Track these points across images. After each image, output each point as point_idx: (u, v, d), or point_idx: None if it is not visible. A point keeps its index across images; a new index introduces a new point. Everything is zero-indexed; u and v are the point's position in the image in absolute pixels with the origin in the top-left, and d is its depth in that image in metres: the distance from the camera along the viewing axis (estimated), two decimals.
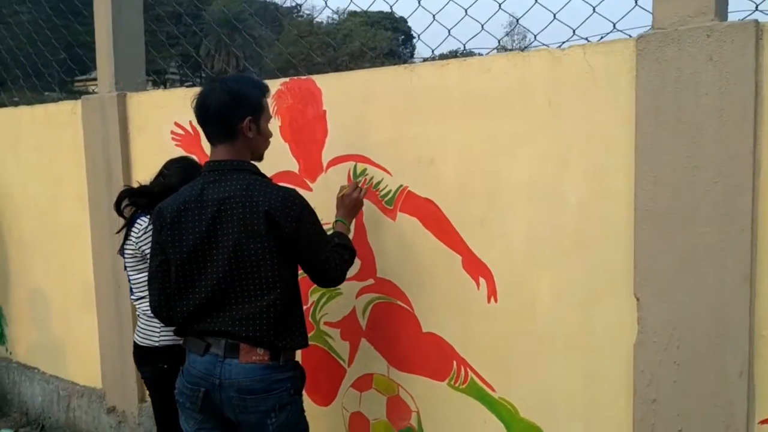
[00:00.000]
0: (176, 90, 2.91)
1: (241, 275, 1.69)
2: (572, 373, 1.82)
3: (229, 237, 1.68)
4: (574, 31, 1.83)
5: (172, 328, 1.88)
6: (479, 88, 1.90)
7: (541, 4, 1.92)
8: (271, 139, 1.89)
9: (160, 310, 1.83)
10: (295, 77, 2.34)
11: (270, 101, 2.33)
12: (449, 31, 2.22)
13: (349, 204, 2.04)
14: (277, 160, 2.36)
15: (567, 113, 1.75)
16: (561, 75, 1.75)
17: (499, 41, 2.01)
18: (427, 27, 2.28)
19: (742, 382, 1.53)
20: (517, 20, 1.93)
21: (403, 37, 35.69)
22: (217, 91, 1.73)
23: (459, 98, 1.95)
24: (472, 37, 2.09)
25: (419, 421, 2.15)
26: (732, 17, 1.55)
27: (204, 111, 1.74)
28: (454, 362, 2.04)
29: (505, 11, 1.97)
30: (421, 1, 2.39)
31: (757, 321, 1.52)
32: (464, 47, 2.11)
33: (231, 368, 1.70)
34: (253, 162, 1.81)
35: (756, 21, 1.45)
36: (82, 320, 3.25)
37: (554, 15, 1.87)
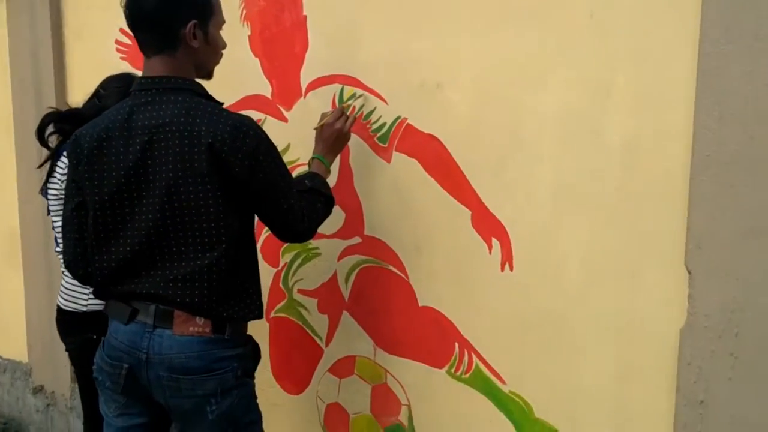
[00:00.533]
0: None
1: (177, 225, 1.69)
2: (602, 365, 1.82)
3: (162, 175, 1.68)
4: None
5: None
6: None
7: None
8: (225, 52, 1.87)
9: (76, 265, 1.85)
10: None
11: (239, 3, 2.33)
12: None
13: (330, 137, 2.04)
14: (244, 80, 2.38)
15: (612, 26, 1.71)
16: None
17: None
18: None
19: None
20: None
21: None
22: None
23: (477, 2, 1.91)
24: None
25: (410, 417, 2.18)
26: None
27: (136, 11, 1.72)
28: (456, 345, 2.06)
29: None
30: None
31: None
32: None
33: (162, 340, 1.72)
34: (198, 80, 1.79)
35: None
36: (6, 278, 3.33)
37: None
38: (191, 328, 1.73)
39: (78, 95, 2.75)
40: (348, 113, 2.10)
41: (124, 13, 1.76)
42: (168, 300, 1.72)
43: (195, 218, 1.69)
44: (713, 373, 1.62)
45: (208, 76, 1.85)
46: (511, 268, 1.94)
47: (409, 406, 2.18)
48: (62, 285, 2.42)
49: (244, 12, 2.35)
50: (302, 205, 1.83)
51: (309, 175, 1.96)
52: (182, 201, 1.68)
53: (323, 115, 2.09)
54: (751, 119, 1.52)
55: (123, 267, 1.75)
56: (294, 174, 2.17)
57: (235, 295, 1.77)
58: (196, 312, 1.72)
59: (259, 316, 1.85)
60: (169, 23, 1.72)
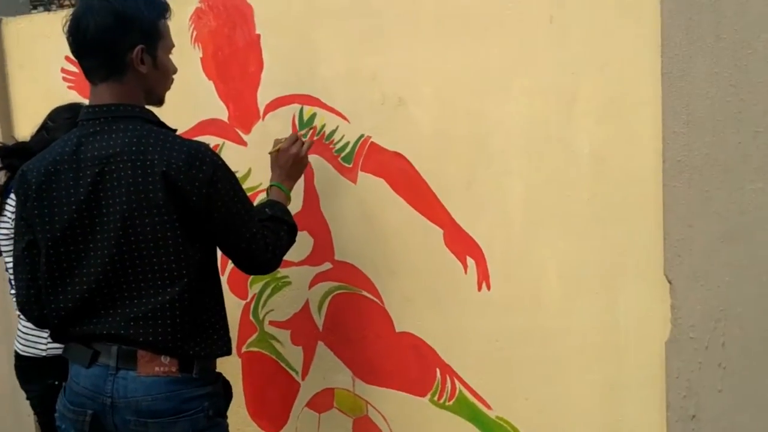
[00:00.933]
0: (66, 12, 2.91)
1: (135, 260, 1.70)
2: (589, 383, 1.85)
3: (116, 208, 1.69)
4: None
5: None
6: None
7: None
8: (176, 76, 1.89)
9: (30, 307, 1.86)
10: None
11: (189, 25, 2.36)
12: None
13: (287, 162, 2.05)
14: (199, 104, 2.40)
15: (573, 31, 1.76)
16: None
17: None
18: None
19: None
20: None
21: None
22: (97, 8, 1.71)
23: (433, 12, 1.95)
24: None
25: None
26: None
27: (80, 36, 1.73)
28: (438, 371, 2.08)
29: None
30: None
31: None
32: None
33: (127, 383, 1.73)
34: (149, 107, 1.81)
35: None
36: None
37: None
38: (157, 368, 1.74)
39: (25, 128, 2.74)
40: (309, 137, 2.13)
41: (67, 39, 1.77)
42: (130, 340, 1.73)
43: (153, 251, 1.70)
44: (703, 386, 1.65)
45: (159, 102, 1.86)
46: (488, 287, 1.97)
47: None
48: (19, 329, 2.41)
49: (195, 33, 2.36)
50: (265, 234, 1.84)
51: (269, 203, 1.97)
52: (139, 234, 1.69)
53: (276, 141, 2.10)
54: (719, 121, 1.57)
55: (80, 307, 1.75)
56: (255, 201, 2.19)
57: (200, 331, 1.78)
58: (160, 351, 1.73)
59: (228, 353, 1.86)
60: (114, 48, 1.73)
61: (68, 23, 1.76)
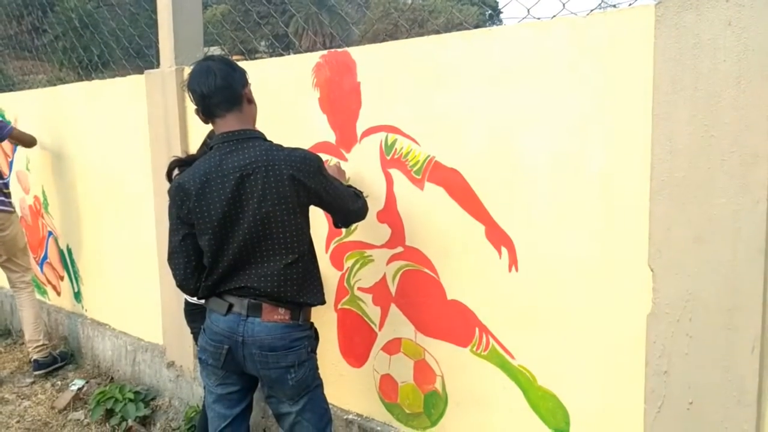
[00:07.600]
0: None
1: (267, 236, 1.79)
2: (589, 343, 1.84)
3: (254, 201, 1.78)
4: None
5: None
6: (503, 58, 1.92)
7: None
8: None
9: (187, 283, 1.91)
10: (333, 50, 2.43)
11: (312, 73, 2.46)
12: None
13: (333, 172, 2.19)
14: (315, 130, 2.48)
15: (588, 82, 1.75)
16: (582, 43, 1.75)
17: (528, 10, 2.00)
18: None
19: (754, 358, 1.51)
20: None
21: (489, 12, 34.72)
22: (217, 63, 1.86)
23: (484, 68, 1.97)
24: (534, 5, 2.03)
25: (443, 385, 2.23)
26: None
27: (210, 83, 1.82)
28: (477, 329, 2.10)
29: None
30: None
31: None
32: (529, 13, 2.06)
33: (254, 326, 1.82)
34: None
35: None
36: (147, 281, 3.51)
37: None
38: (275, 317, 1.83)
39: (195, 146, 2.89)
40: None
41: (196, 88, 1.84)
42: (258, 291, 1.80)
43: (280, 231, 1.79)
44: (673, 349, 1.63)
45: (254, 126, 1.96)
46: (517, 270, 1.98)
47: (442, 377, 2.23)
48: None
49: (315, 80, 2.45)
50: (351, 194, 2.00)
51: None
52: (270, 218, 1.78)
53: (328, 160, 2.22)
54: (695, 151, 1.54)
55: (228, 267, 1.83)
56: None
57: (306, 285, 1.87)
58: (279, 302, 1.82)
59: (323, 302, 1.94)
60: (234, 86, 1.85)
61: (194, 78, 1.84)
